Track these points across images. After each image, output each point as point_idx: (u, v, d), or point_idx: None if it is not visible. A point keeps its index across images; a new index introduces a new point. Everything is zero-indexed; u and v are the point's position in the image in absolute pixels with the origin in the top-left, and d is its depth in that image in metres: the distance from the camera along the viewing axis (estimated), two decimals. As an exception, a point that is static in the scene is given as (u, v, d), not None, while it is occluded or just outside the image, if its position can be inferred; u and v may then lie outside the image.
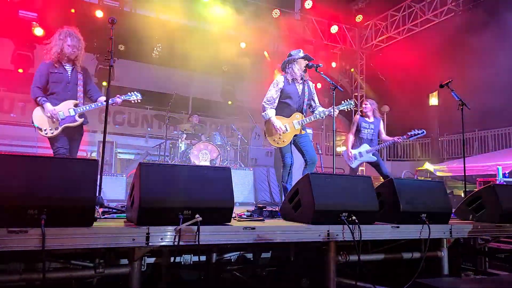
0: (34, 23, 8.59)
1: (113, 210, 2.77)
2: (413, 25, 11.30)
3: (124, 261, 2.42)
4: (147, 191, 2.18)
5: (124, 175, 6.40)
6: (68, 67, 3.95)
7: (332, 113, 4.19)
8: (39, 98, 3.82)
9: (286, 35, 11.86)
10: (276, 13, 11.07)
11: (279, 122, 4.21)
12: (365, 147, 5.98)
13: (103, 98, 3.98)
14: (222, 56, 11.12)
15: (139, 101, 4.17)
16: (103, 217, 2.54)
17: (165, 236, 2.16)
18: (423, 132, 5.84)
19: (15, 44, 9.66)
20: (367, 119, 6.12)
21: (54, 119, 3.77)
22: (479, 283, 2.60)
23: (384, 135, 6.21)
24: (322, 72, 4.22)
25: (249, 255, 3.24)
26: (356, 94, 13.54)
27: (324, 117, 4.36)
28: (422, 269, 2.98)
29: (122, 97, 4.01)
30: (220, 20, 10.56)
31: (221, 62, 11.58)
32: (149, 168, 2.27)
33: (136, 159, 9.90)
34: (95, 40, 8.86)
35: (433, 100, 12.61)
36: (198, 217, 2.22)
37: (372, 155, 5.95)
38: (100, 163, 3.17)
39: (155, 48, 11.00)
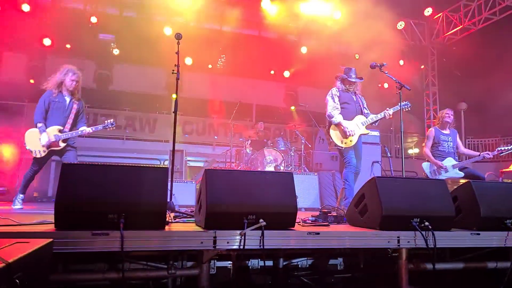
0: (112, 44, 9.40)
1: (183, 215, 2.92)
2: (491, 13, 10.33)
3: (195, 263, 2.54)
4: (213, 196, 2.27)
5: (193, 182, 6.71)
6: (67, 97, 4.51)
7: (399, 112, 4.23)
8: (40, 125, 4.37)
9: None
10: (337, 15, 10.85)
11: (349, 125, 4.45)
12: (450, 161, 5.36)
13: (83, 128, 4.51)
14: (284, 62, 11.21)
15: (113, 128, 4.62)
16: (174, 221, 2.69)
17: (231, 240, 2.23)
18: None
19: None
20: (443, 131, 5.52)
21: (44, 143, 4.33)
22: None
23: (462, 148, 5.56)
24: (386, 72, 4.06)
25: (316, 262, 3.19)
26: (428, 92, 12.72)
27: (377, 121, 4.57)
28: (509, 280, 2.70)
29: (93, 128, 4.49)
30: (280, 27, 10.66)
31: (283, 68, 11.66)
32: (214, 174, 2.37)
33: (205, 167, 10.33)
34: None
35: (518, 94, 11.34)
36: (262, 222, 2.26)
37: (459, 170, 5.31)
38: (170, 170, 3.39)
39: (219, 59, 11.45)
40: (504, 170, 9.69)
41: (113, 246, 1.95)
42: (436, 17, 11.84)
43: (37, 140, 4.34)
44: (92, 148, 10.09)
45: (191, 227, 2.44)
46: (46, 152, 4.39)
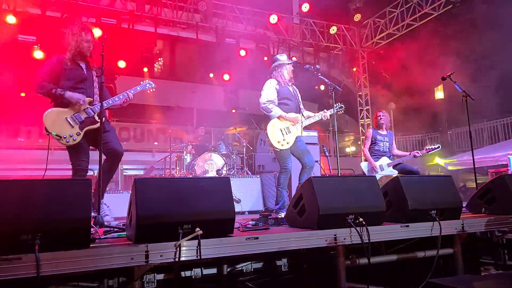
0: (35, 46, 8.66)
1: (114, 229, 2.72)
2: (412, 20, 11.20)
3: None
4: (143, 207, 2.13)
5: (130, 192, 6.37)
6: (83, 65, 3.48)
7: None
8: (55, 89, 3.21)
9: (286, 40, 11.85)
10: (274, 19, 11.07)
11: (291, 115, 4.14)
12: (384, 160, 5.67)
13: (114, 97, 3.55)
14: (223, 65, 11.15)
15: (153, 89, 3.77)
16: (103, 237, 2.49)
17: (165, 252, 2.10)
18: (439, 146, 5.64)
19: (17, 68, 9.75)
20: (380, 131, 5.86)
21: (75, 121, 3.25)
22: (493, 280, 2.48)
23: (396, 150, 5.92)
24: (320, 74, 4.17)
25: (261, 265, 3.15)
26: (360, 93, 13.42)
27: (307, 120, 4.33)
28: (437, 267, 2.87)
29: (132, 91, 3.62)
30: (218, 29, 10.60)
31: (222, 71, 11.60)
32: (143, 184, 2.22)
33: (144, 175, 9.89)
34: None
35: (439, 94, 12.45)
36: (198, 231, 2.16)
37: (393, 168, 5.62)
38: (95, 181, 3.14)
39: (156, 63, 11.08)
40: (429, 163, 10.54)
41: (28, 272, 1.73)
42: (364, 22, 12.56)
43: (62, 119, 3.17)
44: (24, 161, 9.24)
45: (122, 242, 2.26)
46: (81, 135, 3.24)
